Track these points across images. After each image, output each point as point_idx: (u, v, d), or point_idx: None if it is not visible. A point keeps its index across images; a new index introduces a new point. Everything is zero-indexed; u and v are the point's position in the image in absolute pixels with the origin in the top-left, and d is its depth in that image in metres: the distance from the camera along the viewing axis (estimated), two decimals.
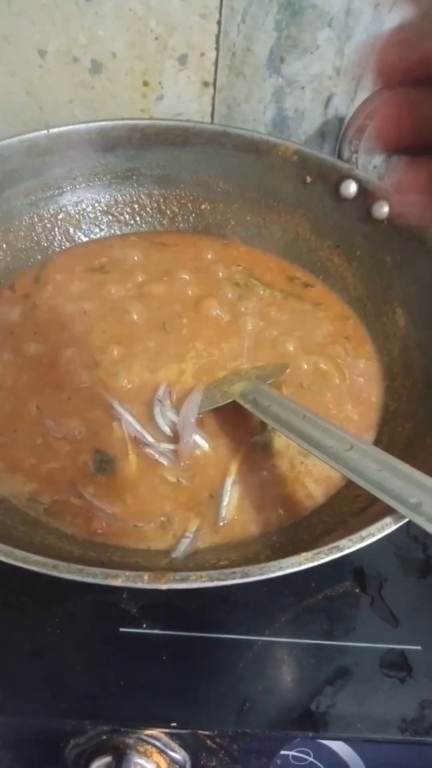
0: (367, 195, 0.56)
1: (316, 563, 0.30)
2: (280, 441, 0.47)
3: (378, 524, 0.32)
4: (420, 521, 0.31)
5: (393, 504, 0.32)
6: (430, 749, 0.39)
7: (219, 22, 0.57)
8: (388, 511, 0.33)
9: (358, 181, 0.56)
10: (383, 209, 0.55)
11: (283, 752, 0.39)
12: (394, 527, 0.32)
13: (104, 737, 0.37)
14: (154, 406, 0.47)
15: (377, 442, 0.47)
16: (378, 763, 0.40)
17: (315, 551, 0.30)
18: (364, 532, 0.31)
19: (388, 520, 0.32)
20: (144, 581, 0.28)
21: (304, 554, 0.30)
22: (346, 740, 0.38)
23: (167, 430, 0.46)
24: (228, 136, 0.59)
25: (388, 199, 0.54)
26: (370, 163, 0.68)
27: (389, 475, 0.34)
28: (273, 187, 0.61)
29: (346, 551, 0.31)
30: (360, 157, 0.59)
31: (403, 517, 0.32)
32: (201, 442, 0.45)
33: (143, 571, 0.29)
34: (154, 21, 0.57)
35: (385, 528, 0.32)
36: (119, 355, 0.51)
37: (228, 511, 0.42)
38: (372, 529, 0.32)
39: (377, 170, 0.69)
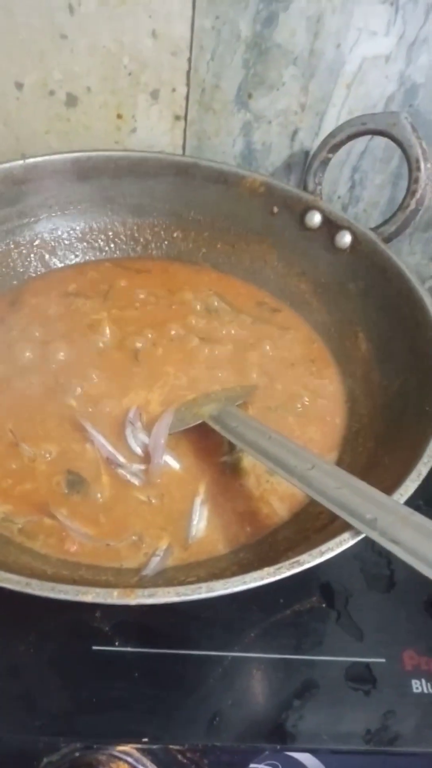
0: (330, 225, 0.59)
1: (278, 577, 0.31)
2: (248, 460, 0.48)
3: (337, 539, 0.34)
4: (374, 536, 0.33)
5: (350, 520, 0.34)
6: (394, 759, 0.40)
7: (189, 60, 0.60)
8: (347, 527, 0.34)
9: (322, 211, 0.59)
10: (346, 239, 0.57)
11: (252, 765, 0.40)
12: (351, 542, 0.34)
13: (77, 754, 0.37)
14: (126, 428, 0.48)
15: (339, 462, 0.49)
16: None
17: (277, 566, 0.31)
18: (323, 547, 0.33)
19: (346, 535, 0.34)
20: (113, 597, 0.29)
21: (266, 569, 0.31)
22: (313, 752, 0.39)
23: (139, 451, 0.47)
24: (199, 167, 0.62)
25: (350, 230, 0.56)
26: (334, 193, 0.70)
27: (348, 492, 0.36)
28: (242, 217, 0.63)
29: (306, 566, 0.32)
30: (324, 188, 0.61)
31: (360, 532, 0.34)
32: (172, 462, 0.47)
33: (113, 588, 0.30)
34: (127, 58, 0.59)
35: (343, 543, 0.34)
36: (92, 378, 0.52)
37: (198, 530, 0.44)
38: (331, 544, 0.33)
39: (341, 200, 0.71)
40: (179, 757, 0.38)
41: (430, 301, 0.49)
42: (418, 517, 0.33)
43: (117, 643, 0.41)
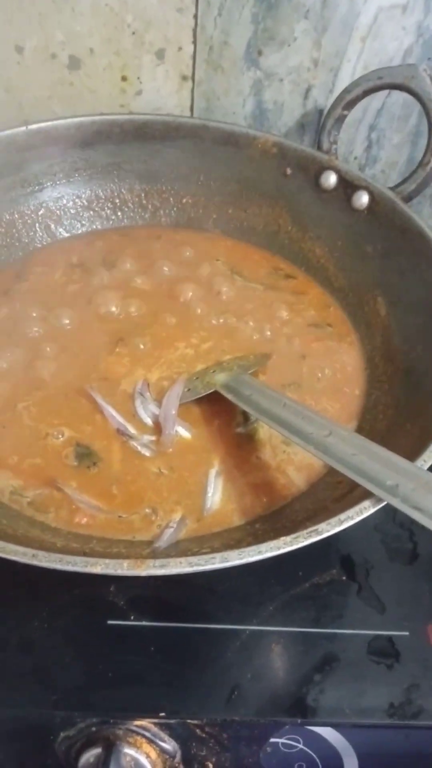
0: (346, 186, 0.56)
1: (294, 547, 0.30)
2: (264, 431, 0.47)
3: (356, 508, 0.32)
4: (396, 503, 0.32)
5: (370, 487, 0.33)
6: (417, 732, 0.39)
7: (195, 16, 0.58)
8: (367, 495, 0.33)
9: (338, 171, 0.57)
10: (363, 199, 0.55)
11: (272, 740, 0.39)
12: (372, 510, 0.33)
13: (94, 729, 0.37)
14: (135, 400, 0.47)
15: (359, 430, 0.48)
16: (367, 748, 0.40)
17: (294, 535, 0.30)
18: (342, 516, 0.32)
19: (366, 503, 0.33)
20: (123, 568, 0.28)
21: (283, 538, 0.30)
22: (335, 726, 0.39)
23: (149, 422, 0.46)
24: (208, 129, 0.60)
25: (367, 190, 0.54)
26: (350, 154, 0.68)
27: (366, 459, 0.35)
28: (253, 180, 0.61)
29: (325, 534, 0.31)
30: (340, 149, 0.59)
31: (381, 500, 0.33)
32: (183, 432, 0.46)
33: (124, 559, 0.29)
34: (131, 16, 0.57)
35: (363, 511, 0.32)
36: (99, 350, 0.51)
37: (213, 502, 0.43)
38: (350, 512, 0.32)
39: (357, 161, 0.69)
40: (198, 731, 0.38)
41: None
42: None
43: (132, 618, 0.41)
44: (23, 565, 0.30)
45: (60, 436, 0.45)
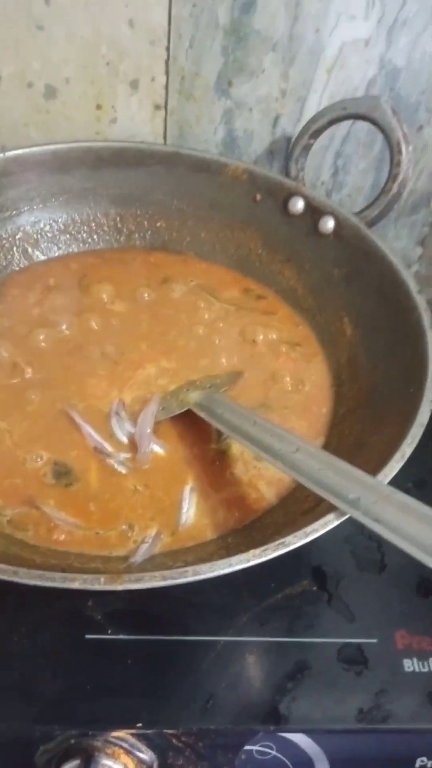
0: (313, 211, 0.59)
1: (264, 559, 0.32)
2: (237, 447, 0.48)
3: (322, 520, 0.34)
4: (358, 515, 0.33)
5: (334, 500, 0.34)
6: (386, 736, 0.41)
7: (167, 48, 0.59)
8: (332, 508, 0.35)
9: (305, 197, 0.59)
10: (329, 224, 0.57)
11: (247, 747, 0.40)
12: (336, 522, 0.34)
13: (72, 741, 0.38)
14: (111, 419, 0.48)
15: (326, 446, 0.49)
16: (338, 753, 0.41)
17: (263, 548, 0.32)
18: (308, 529, 0.33)
19: (331, 516, 0.34)
20: (101, 583, 0.30)
21: (252, 551, 0.31)
22: (307, 732, 0.40)
23: (125, 440, 0.47)
24: (180, 156, 0.61)
25: (332, 215, 0.56)
26: (317, 179, 0.70)
27: (331, 473, 0.36)
28: (225, 205, 0.63)
29: (292, 547, 0.32)
30: (308, 174, 0.61)
31: (344, 513, 0.34)
32: (158, 450, 0.47)
33: (101, 575, 0.31)
34: (105, 47, 0.59)
35: (328, 524, 0.34)
36: (76, 369, 0.52)
37: (187, 517, 0.44)
38: (316, 525, 0.34)
39: (324, 186, 0.71)
40: (174, 741, 0.39)
41: (413, 284, 0.50)
42: (400, 496, 0.34)
43: (110, 631, 0.42)
44: (2, 581, 0.31)
45: (39, 458, 0.46)
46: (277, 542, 0.32)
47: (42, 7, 0.56)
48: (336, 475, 0.36)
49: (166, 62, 0.60)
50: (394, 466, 0.37)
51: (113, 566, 0.40)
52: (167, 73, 0.61)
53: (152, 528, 0.43)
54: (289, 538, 0.32)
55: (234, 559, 0.31)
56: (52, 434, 0.47)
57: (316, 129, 0.58)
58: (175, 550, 0.42)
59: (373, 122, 0.55)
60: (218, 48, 0.60)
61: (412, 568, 0.36)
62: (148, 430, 0.46)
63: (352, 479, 0.36)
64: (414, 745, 0.41)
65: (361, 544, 0.49)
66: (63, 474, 0.45)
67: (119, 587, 0.30)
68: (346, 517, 0.34)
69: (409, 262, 0.80)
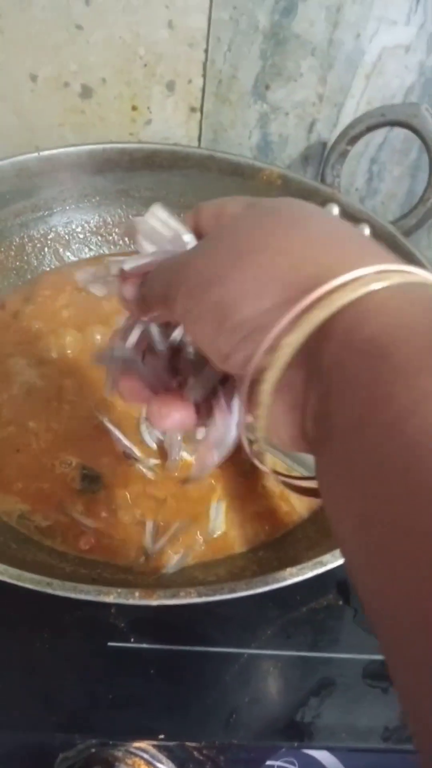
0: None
1: (300, 578, 0.31)
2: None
3: None
4: None
5: None
6: (411, 756, 0.40)
7: (206, 51, 0.59)
8: None
9: (341, 204, 0.58)
10: (365, 232, 0.57)
11: (268, 762, 0.40)
12: None
13: (93, 750, 0.37)
14: (141, 425, 0.48)
15: None
16: None
17: (299, 566, 0.31)
18: None
19: None
20: (135, 597, 0.29)
21: (289, 570, 0.31)
22: (330, 750, 0.39)
23: (154, 446, 0.47)
24: (214, 160, 0.61)
25: (368, 223, 0.56)
26: (351, 185, 0.70)
27: None
28: None
29: (329, 566, 0.32)
30: (342, 180, 0.61)
31: None
32: (187, 456, 0.47)
33: (133, 587, 0.30)
34: (143, 49, 0.59)
35: None
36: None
37: (216, 527, 0.44)
38: None
39: (358, 192, 0.70)
40: (195, 754, 0.38)
41: None
42: None
43: (132, 640, 0.41)
44: (29, 589, 0.31)
45: (68, 464, 0.46)
46: (314, 561, 0.31)
47: (81, 7, 0.55)
48: None
49: (204, 65, 0.60)
50: None
51: (143, 579, 0.39)
52: (204, 75, 0.61)
53: (182, 538, 0.42)
54: (326, 557, 0.32)
55: (270, 577, 0.31)
56: (82, 440, 0.47)
57: (353, 135, 0.58)
58: (205, 562, 0.41)
59: (413, 129, 0.54)
60: (257, 52, 0.59)
61: None
62: (179, 437, 0.46)
63: None
64: None
65: None
66: (92, 479, 0.45)
67: (154, 602, 0.29)
68: None
69: None
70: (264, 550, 0.42)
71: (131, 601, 0.29)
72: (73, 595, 0.29)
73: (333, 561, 0.32)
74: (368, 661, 0.42)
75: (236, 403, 0.24)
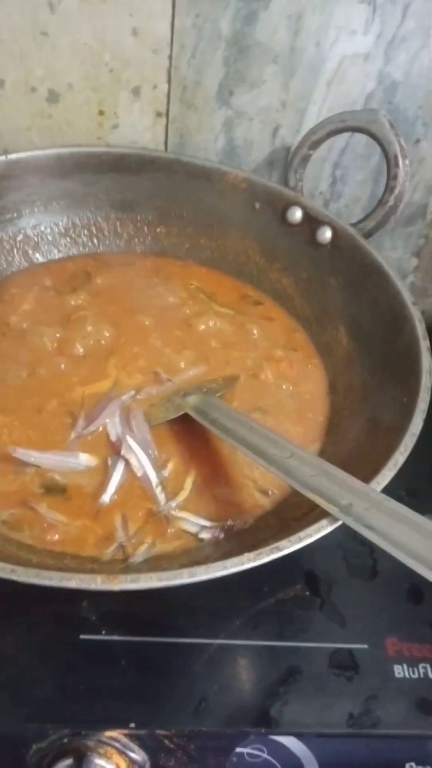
0: (311, 221, 0.59)
1: (257, 563, 0.32)
2: (231, 451, 0.49)
3: (315, 526, 0.34)
4: (350, 522, 0.34)
5: (326, 506, 0.35)
6: (376, 741, 0.41)
7: (170, 57, 0.60)
8: (325, 514, 0.35)
9: (303, 207, 0.60)
10: (326, 234, 0.58)
11: (238, 749, 0.40)
12: (330, 528, 0.35)
13: (65, 740, 0.38)
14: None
15: (321, 453, 0.50)
16: (328, 757, 0.41)
17: (257, 552, 0.32)
18: (302, 534, 0.34)
19: (324, 522, 0.35)
20: (97, 583, 0.30)
21: (246, 554, 0.32)
22: (297, 736, 0.40)
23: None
24: (181, 163, 0.62)
25: (330, 225, 0.57)
26: (316, 189, 0.71)
27: (324, 480, 0.37)
28: (224, 213, 0.64)
29: (285, 551, 0.33)
30: (306, 184, 0.62)
31: (337, 519, 0.35)
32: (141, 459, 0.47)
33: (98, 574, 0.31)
34: (108, 55, 0.60)
35: (321, 529, 0.34)
36: (73, 369, 0.53)
37: (181, 520, 0.44)
38: (309, 530, 0.34)
39: (323, 196, 0.72)
40: (166, 742, 0.39)
41: (408, 295, 0.50)
42: (391, 503, 0.34)
43: (104, 632, 0.42)
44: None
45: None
46: (271, 546, 0.33)
47: (47, 14, 0.56)
48: (329, 482, 0.37)
49: (168, 71, 0.61)
50: (386, 474, 0.38)
51: (109, 567, 0.40)
52: (169, 81, 0.62)
53: (148, 530, 0.43)
54: (282, 543, 0.33)
55: (228, 562, 0.32)
56: (47, 432, 0.48)
57: (315, 140, 0.59)
58: (171, 553, 0.42)
59: (371, 135, 0.56)
60: (220, 59, 0.61)
61: (404, 574, 0.37)
62: (148, 437, 0.47)
63: (345, 486, 0.36)
64: (403, 750, 0.42)
65: (353, 550, 0.50)
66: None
67: (116, 587, 0.30)
68: (339, 523, 0.35)
69: (405, 273, 0.80)
70: (227, 541, 0.43)
71: (93, 587, 0.30)
72: (36, 581, 0.30)
73: (289, 546, 0.33)
74: (334, 649, 0.44)
75: None
